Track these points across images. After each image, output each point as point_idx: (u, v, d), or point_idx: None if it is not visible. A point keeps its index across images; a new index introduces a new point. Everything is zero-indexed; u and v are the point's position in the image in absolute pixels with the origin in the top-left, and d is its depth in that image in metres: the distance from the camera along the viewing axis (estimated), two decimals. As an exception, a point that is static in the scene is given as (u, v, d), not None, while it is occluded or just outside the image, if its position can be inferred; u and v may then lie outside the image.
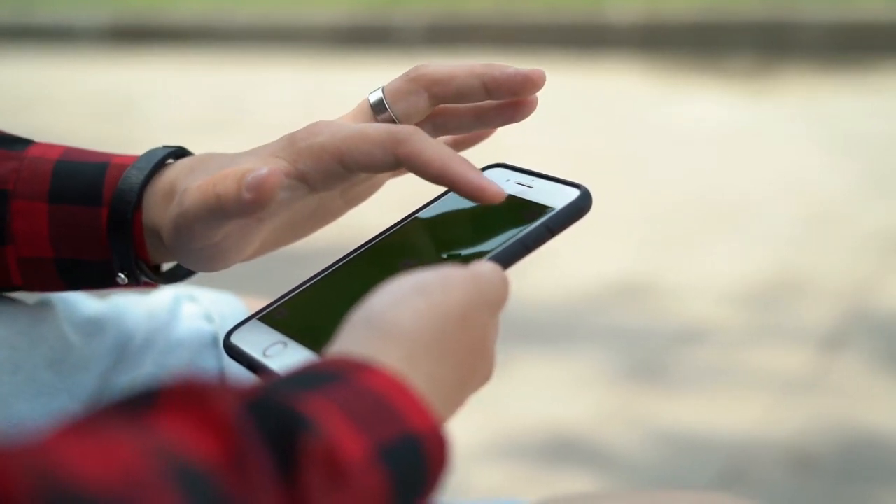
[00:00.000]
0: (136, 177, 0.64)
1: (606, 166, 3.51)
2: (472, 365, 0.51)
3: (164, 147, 0.66)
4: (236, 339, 0.60)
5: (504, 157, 3.60)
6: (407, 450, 0.43)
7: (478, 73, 0.62)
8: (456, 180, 0.57)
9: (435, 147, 0.58)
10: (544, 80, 0.63)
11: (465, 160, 0.58)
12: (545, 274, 2.63)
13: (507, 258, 0.59)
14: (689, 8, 5.04)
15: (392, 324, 0.48)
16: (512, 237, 0.59)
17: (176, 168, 0.64)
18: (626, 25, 5.07)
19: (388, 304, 0.49)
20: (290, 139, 0.60)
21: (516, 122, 0.65)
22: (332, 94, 4.80)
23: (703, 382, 2.08)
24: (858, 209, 2.97)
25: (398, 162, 0.58)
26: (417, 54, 5.33)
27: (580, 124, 4.01)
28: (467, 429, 1.94)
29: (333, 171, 0.59)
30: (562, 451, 1.88)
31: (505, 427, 1.96)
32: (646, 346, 2.24)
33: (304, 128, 0.60)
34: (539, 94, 0.64)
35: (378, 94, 0.64)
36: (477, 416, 1.98)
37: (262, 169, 0.55)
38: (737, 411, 1.96)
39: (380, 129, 0.58)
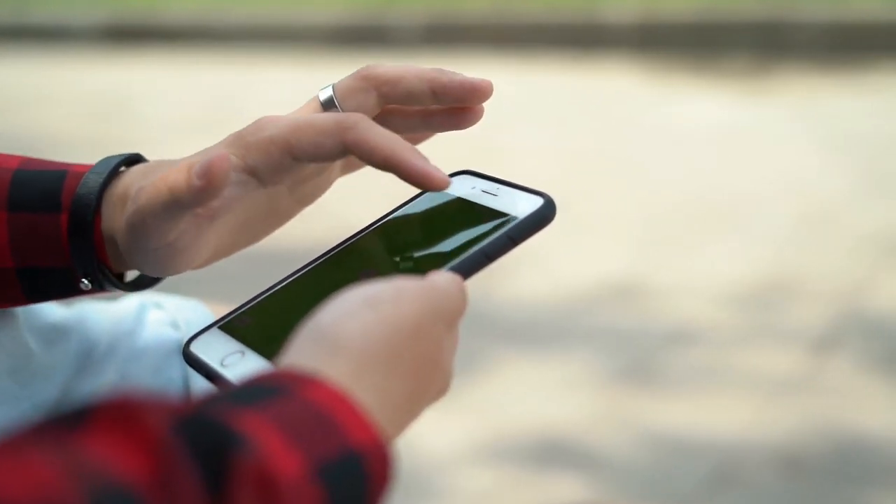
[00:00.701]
0: (94, 181, 0.64)
1: (602, 166, 3.50)
2: (425, 378, 0.50)
3: (120, 155, 0.66)
4: (195, 348, 0.59)
5: (500, 156, 3.60)
6: (346, 466, 0.42)
7: (427, 77, 0.63)
8: (402, 167, 0.58)
9: (382, 134, 0.58)
10: (492, 91, 0.64)
11: (412, 148, 0.59)
12: (537, 274, 2.63)
13: (467, 268, 0.58)
14: (686, 8, 5.03)
15: (341, 337, 0.48)
16: (473, 246, 0.59)
17: (130, 174, 0.64)
18: (624, 25, 5.06)
19: (337, 316, 0.49)
20: (237, 135, 0.60)
21: (461, 129, 0.66)
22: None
23: (694, 383, 2.07)
24: (854, 210, 2.96)
25: (346, 149, 0.59)
26: (414, 54, 5.32)
27: (576, 124, 4.00)
28: (456, 431, 1.93)
29: (282, 164, 0.59)
30: (552, 453, 1.87)
31: (495, 429, 1.95)
32: (638, 347, 2.23)
33: (251, 123, 0.61)
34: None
35: (328, 92, 0.65)
36: (466, 417, 1.98)
37: (209, 156, 0.56)
38: (728, 412, 1.96)
39: (327, 117, 0.59)
